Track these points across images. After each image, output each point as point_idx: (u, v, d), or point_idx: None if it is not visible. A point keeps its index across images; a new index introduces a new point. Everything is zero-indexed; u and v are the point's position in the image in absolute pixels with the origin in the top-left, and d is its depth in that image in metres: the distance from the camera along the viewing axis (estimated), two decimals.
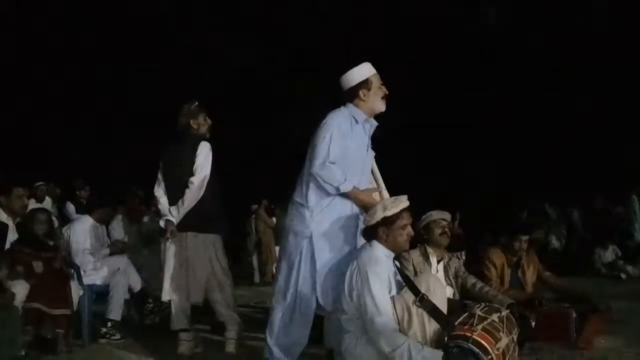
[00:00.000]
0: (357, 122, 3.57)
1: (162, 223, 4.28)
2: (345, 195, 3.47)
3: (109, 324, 4.82)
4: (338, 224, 3.48)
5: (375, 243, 3.29)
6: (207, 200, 4.28)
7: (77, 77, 13.01)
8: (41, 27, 12.80)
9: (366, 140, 3.66)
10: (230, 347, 4.27)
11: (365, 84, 3.58)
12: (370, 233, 3.31)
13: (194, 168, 4.24)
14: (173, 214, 4.24)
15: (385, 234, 3.26)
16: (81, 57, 12.95)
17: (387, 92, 3.64)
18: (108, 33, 13.09)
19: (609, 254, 9.52)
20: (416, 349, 2.93)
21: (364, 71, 3.63)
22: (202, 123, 4.40)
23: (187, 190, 4.21)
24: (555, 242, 10.51)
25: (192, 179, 4.21)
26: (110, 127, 13.35)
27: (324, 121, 3.54)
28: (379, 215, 3.26)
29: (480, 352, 2.89)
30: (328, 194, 3.47)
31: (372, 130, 3.72)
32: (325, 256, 3.44)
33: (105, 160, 12.75)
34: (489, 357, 2.89)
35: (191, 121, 4.35)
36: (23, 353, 4.19)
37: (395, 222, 3.26)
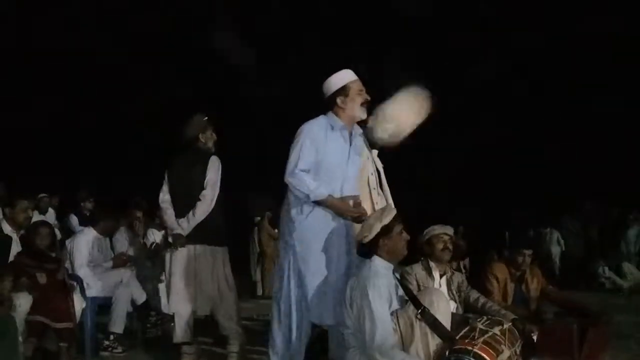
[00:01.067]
0: (332, 129, 3.54)
1: (170, 239, 4.31)
2: (321, 203, 3.43)
3: (112, 337, 4.82)
4: (321, 232, 3.43)
5: (374, 258, 3.30)
6: (215, 214, 4.33)
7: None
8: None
9: (347, 147, 3.59)
10: None
11: (342, 90, 3.54)
12: (370, 247, 3.30)
13: (205, 182, 4.30)
14: (182, 226, 4.27)
15: (385, 244, 3.27)
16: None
17: (368, 99, 3.59)
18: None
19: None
20: None
21: (342, 78, 3.58)
22: (209, 137, 4.45)
23: (199, 204, 4.26)
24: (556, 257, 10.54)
25: (204, 192, 4.27)
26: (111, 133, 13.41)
27: (299, 129, 3.53)
28: (377, 226, 3.26)
29: None
30: (308, 204, 3.44)
31: (358, 137, 3.68)
32: (310, 266, 3.41)
33: (108, 170, 12.80)
34: None
35: (200, 135, 4.41)
36: None
37: (393, 229, 3.29)
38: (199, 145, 4.41)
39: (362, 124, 3.76)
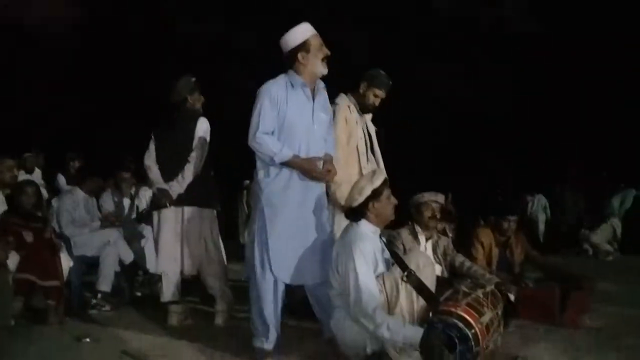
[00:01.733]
0: (293, 87, 3.44)
1: (154, 189, 4.30)
2: (287, 165, 3.38)
3: (99, 296, 4.85)
4: (289, 195, 3.41)
5: (361, 221, 3.33)
6: (203, 176, 4.34)
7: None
8: None
9: (310, 105, 3.49)
10: (220, 320, 4.32)
11: (303, 45, 3.41)
12: (359, 210, 3.32)
13: (194, 144, 4.29)
14: (173, 188, 4.26)
15: (374, 208, 3.29)
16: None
17: (328, 54, 3.48)
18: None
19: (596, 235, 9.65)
20: (397, 326, 2.96)
21: (302, 33, 3.44)
22: (197, 99, 4.42)
23: (187, 165, 4.25)
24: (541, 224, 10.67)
25: (193, 154, 4.27)
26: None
27: (258, 90, 3.45)
28: (368, 189, 3.28)
29: (463, 327, 2.93)
30: (274, 166, 3.40)
31: (321, 92, 3.58)
32: (277, 230, 3.38)
33: (97, 132, 12.68)
34: (473, 331, 2.94)
35: (188, 96, 4.36)
36: (13, 322, 4.22)
37: (383, 193, 3.32)
38: (187, 107, 4.38)
39: (325, 79, 3.63)
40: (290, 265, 3.41)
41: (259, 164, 3.48)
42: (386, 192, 3.34)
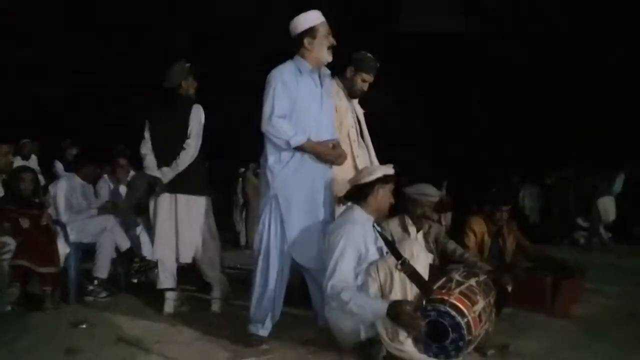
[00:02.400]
0: (301, 73, 3.49)
1: (148, 171, 4.31)
2: (301, 149, 3.43)
3: (96, 282, 4.87)
4: (302, 179, 3.46)
5: (355, 207, 3.38)
6: (198, 163, 4.34)
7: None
8: None
9: (318, 91, 3.57)
10: (216, 307, 4.36)
11: (310, 31, 3.48)
12: (364, 189, 3.36)
13: (189, 131, 4.28)
14: (166, 175, 4.27)
15: (378, 192, 3.34)
16: None
17: (334, 43, 3.53)
18: None
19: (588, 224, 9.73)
20: (363, 302, 3.01)
21: (311, 19, 3.50)
22: (191, 84, 4.40)
23: (183, 152, 4.25)
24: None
25: (188, 141, 4.26)
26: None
27: (268, 76, 3.48)
28: (380, 172, 3.34)
29: (456, 315, 2.97)
30: (287, 152, 3.44)
31: (327, 79, 3.65)
32: (292, 214, 3.44)
33: (95, 120, 12.66)
34: (465, 319, 2.98)
35: (182, 82, 4.34)
36: (9, 308, 4.25)
37: (389, 183, 3.38)
38: (181, 93, 4.36)
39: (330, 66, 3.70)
40: (307, 249, 3.47)
41: (270, 149, 3.50)
42: (391, 184, 3.41)
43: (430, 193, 4.38)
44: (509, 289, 4.03)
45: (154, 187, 4.31)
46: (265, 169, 3.52)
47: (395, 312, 2.92)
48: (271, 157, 3.48)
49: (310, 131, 3.47)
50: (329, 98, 3.68)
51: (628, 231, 9.48)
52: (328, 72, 3.67)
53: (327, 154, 3.50)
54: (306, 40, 3.49)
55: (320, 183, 3.54)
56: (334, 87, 4.12)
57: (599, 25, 11.83)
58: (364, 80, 4.17)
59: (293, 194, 3.45)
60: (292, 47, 3.55)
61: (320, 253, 3.45)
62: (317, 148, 3.46)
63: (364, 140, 4.23)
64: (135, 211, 5.65)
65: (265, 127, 3.43)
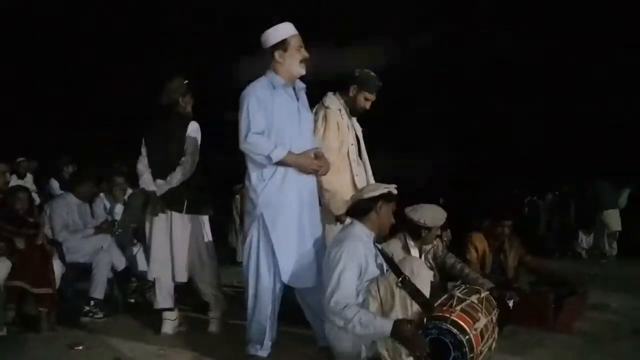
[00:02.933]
0: (274, 87, 3.44)
1: (142, 184, 4.27)
2: (282, 163, 3.36)
3: (92, 303, 4.80)
4: (286, 195, 3.38)
5: (356, 222, 3.34)
6: (195, 180, 4.30)
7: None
8: None
9: (295, 104, 3.50)
10: (214, 327, 4.30)
11: (282, 44, 3.43)
12: (366, 205, 3.31)
13: (185, 147, 4.24)
14: (160, 188, 4.23)
15: (381, 209, 3.31)
16: None
17: (307, 56, 3.49)
18: None
19: (590, 238, 9.71)
20: (368, 320, 2.94)
21: (282, 31, 3.45)
22: (189, 102, 4.38)
23: (178, 168, 4.21)
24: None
25: (184, 158, 4.23)
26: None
27: (242, 94, 3.43)
28: (384, 189, 3.31)
29: (458, 332, 2.94)
30: (268, 168, 3.37)
31: (302, 92, 3.58)
32: (280, 232, 3.36)
33: (89, 138, 12.63)
34: (467, 337, 2.94)
35: (180, 98, 4.32)
36: (5, 331, 4.19)
37: (391, 202, 3.35)
38: (179, 110, 4.33)
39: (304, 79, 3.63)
40: (296, 267, 3.40)
41: (251, 167, 3.44)
42: (394, 204, 3.38)
43: (437, 217, 4.27)
44: (511, 305, 3.98)
45: (152, 208, 4.26)
46: (249, 188, 3.46)
47: (399, 332, 2.88)
48: (253, 175, 3.42)
49: (291, 145, 3.41)
50: (307, 111, 3.63)
51: (632, 244, 9.48)
52: (303, 85, 3.61)
53: (309, 164, 3.43)
54: (277, 54, 3.44)
55: (306, 196, 3.47)
56: (336, 104, 4.11)
57: (600, 37, 11.90)
58: (366, 99, 4.14)
59: (279, 211, 3.37)
60: (264, 61, 3.51)
61: (311, 271, 3.40)
62: (298, 160, 3.40)
63: (361, 159, 4.21)
64: (134, 234, 5.60)
65: (243, 145, 3.37)
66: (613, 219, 9.51)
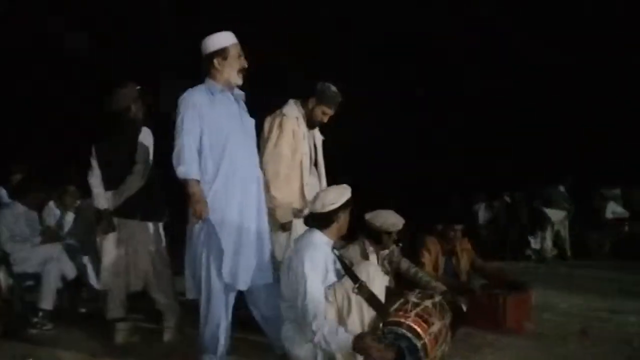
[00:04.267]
0: (213, 94, 3.44)
1: (96, 204, 4.17)
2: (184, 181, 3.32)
3: (40, 314, 4.65)
4: (231, 199, 3.38)
5: (314, 231, 3.34)
6: (149, 188, 4.23)
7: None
8: None
9: (236, 108, 3.52)
10: (168, 336, 4.24)
11: (221, 52, 3.44)
12: (327, 217, 3.30)
13: (136, 155, 4.17)
14: (112, 200, 4.15)
15: (340, 218, 3.31)
16: None
17: (245, 66, 3.51)
18: None
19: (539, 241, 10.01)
20: (330, 335, 2.96)
21: (222, 39, 3.47)
22: (140, 108, 4.31)
23: (129, 177, 4.14)
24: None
25: (135, 166, 4.15)
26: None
27: (179, 101, 3.41)
28: (344, 198, 3.30)
29: (413, 337, 2.98)
30: (210, 173, 3.35)
31: (240, 99, 3.59)
32: (224, 232, 3.34)
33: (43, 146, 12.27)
34: (422, 342, 2.99)
35: (132, 105, 4.25)
36: None
37: (349, 207, 3.36)
38: (129, 117, 4.25)
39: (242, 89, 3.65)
40: (243, 269, 3.38)
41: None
42: (350, 207, 3.39)
43: (398, 222, 4.34)
44: (464, 307, 4.06)
45: (102, 225, 4.16)
46: None
47: (362, 347, 2.89)
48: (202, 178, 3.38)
49: (233, 147, 3.39)
50: (247, 115, 3.62)
51: (579, 245, 9.86)
52: (241, 93, 3.61)
53: (196, 202, 3.31)
54: (216, 61, 3.44)
55: (252, 200, 3.47)
56: (294, 111, 4.12)
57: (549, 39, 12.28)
58: (324, 113, 4.16)
59: (224, 213, 3.35)
60: (202, 68, 3.50)
61: (260, 272, 3.41)
62: (195, 193, 3.30)
63: (317, 168, 4.22)
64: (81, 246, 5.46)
65: (174, 154, 3.34)
66: (557, 219, 9.89)
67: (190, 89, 3.45)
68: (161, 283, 4.26)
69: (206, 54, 3.47)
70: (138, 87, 4.31)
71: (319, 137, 4.31)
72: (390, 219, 4.32)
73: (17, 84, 12.43)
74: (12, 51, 12.16)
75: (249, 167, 3.52)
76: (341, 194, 3.33)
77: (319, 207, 3.31)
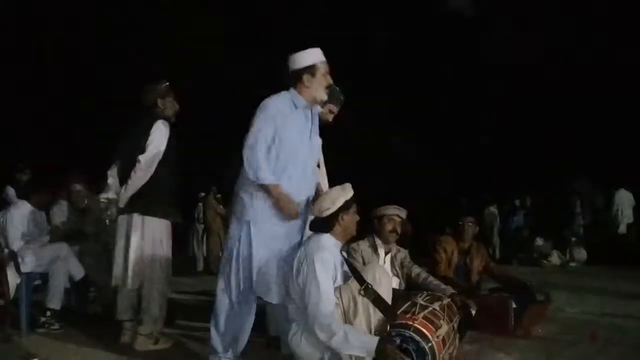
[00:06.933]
0: (296, 107, 3.46)
1: (102, 196, 4.16)
2: (265, 188, 3.33)
3: (48, 313, 4.66)
4: (277, 213, 3.38)
5: (324, 235, 3.31)
6: (159, 182, 4.10)
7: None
8: None
9: (309, 126, 3.55)
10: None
11: (310, 69, 3.46)
12: (329, 220, 3.28)
13: (146, 146, 4.06)
14: (121, 197, 4.12)
15: (343, 219, 3.28)
16: None
17: (331, 83, 3.54)
18: None
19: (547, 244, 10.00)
20: (354, 334, 2.93)
21: (312, 56, 3.49)
22: (168, 105, 4.24)
23: (134, 169, 4.05)
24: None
25: (140, 157, 4.03)
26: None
27: (261, 104, 3.43)
28: (342, 199, 3.27)
29: (420, 340, 2.95)
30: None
31: (315, 117, 3.62)
32: (262, 244, 3.36)
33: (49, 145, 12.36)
34: (430, 344, 2.96)
35: (159, 100, 4.20)
36: None
37: (352, 206, 3.32)
38: (156, 112, 4.17)
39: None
40: (268, 282, 3.37)
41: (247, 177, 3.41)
42: (354, 206, 3.35)
43: (398, 211, 4.43)
44: (473, 312, 4.03)
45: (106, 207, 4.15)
46: (243, 193, 3.42)
47: (382, 350, 2.86)
48: (250, 185, 3.39)
49: (295, 165, 3.41)
50: (317, 135, 3.65)
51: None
52: (319, 109, 3.67)
53: (286, 206, 3.35)
54: (305, 77, 3.46)
55: (294, 221, 3.46)
56: None
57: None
58: (330, 111, 4.17)
59: (268, 225, 3.37)
60: (287, 80, 3.51)
61: (281, 287, 3.37)
62: (280, 197, 3.34)
63: (319, 169, 4.21)
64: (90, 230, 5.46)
65: (244, 151, 3.34)
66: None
67: (274, 96, 3.46)
68: (156, 286, 4.09)
69: (294, 69, 3.48)
70: (166, 83, 4.27)
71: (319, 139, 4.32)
72: (388, 208, 4.42)
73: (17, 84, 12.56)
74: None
75: (304, 189, 3.51)
76: (337, 197, 3.29)
77: (317, 213, 3.31)
